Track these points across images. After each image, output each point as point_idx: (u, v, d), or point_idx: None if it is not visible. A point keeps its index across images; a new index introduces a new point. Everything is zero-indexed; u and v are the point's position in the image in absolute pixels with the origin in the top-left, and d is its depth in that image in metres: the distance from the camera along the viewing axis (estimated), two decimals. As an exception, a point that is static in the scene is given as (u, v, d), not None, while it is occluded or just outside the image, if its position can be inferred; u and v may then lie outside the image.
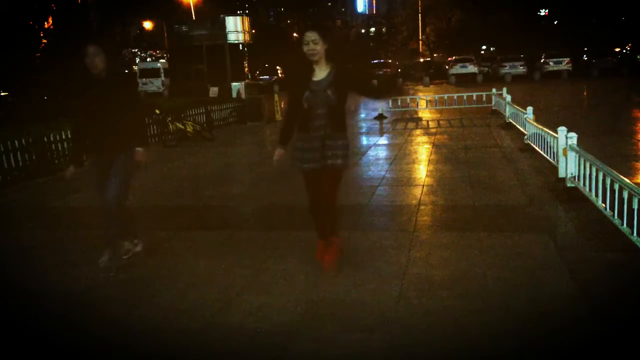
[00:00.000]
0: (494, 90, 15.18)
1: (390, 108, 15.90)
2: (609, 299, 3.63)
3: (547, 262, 4.28)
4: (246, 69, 25.71)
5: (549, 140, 7.34)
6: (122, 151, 4.44)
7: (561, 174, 6.41)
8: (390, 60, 38.87)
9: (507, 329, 3.31)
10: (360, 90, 4.32)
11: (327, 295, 3.89)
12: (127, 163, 4.48)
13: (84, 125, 4.53)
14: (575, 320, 3.40)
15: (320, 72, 3.98)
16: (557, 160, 6.62)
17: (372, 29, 65.18)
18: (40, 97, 17.31)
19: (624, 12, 37.58)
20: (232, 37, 24.24)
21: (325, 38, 3.90)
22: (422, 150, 9.94)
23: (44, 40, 23.12)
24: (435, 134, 12.11)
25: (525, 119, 9.37)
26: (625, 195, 4.40)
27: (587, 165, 5.46)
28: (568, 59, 32.70)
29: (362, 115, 16.50)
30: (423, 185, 7.14)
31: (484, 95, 15.53)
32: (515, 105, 11.45)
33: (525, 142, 9.24)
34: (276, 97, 17.00)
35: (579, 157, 5.81)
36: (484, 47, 52.72)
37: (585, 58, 35.45)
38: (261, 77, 33.85)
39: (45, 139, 9.33)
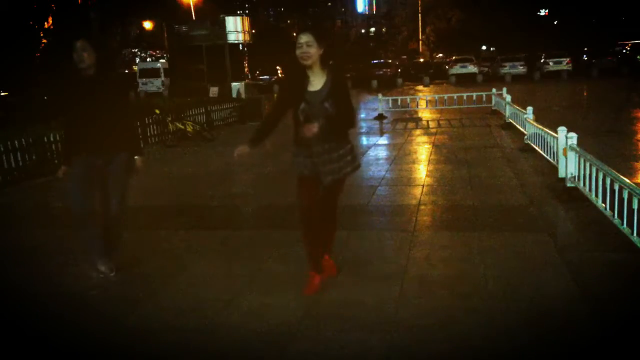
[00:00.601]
0: (494, 90, 15.17)
1: (390, 108, 15.90)
2: (609, 299, 3.63)
3: (547, 262, 4.28)
4: (246, 69, 25.68)
5: (548, 140, 7.34)
6: (111, 154, 4.26)
7: (561, 174, 6.41)
8: (390, 60, 38.85)
9: (507, 329, 3.31)
10: (341, 107, 3.74)
11: (327, 295, 3.88)
12: (123, 169, 4.33)
13: (70, 125, 4.37)
14: (575, 320, 3.40)
15: (316, 81, 3.70)
16: (557, 160, 6.62)
17: (372, 29, 65.16)
18: (40, 97, 17.33)
19: (624, 12, 37.58)
20: (232, 37, 24.20)
21: (320, 41, 3.66)
22: (422, 150, 9.94)
23: (44, 40, 23.14)
24: (435, 133, 12.11)
25: (525, 119, 9.37)
26: (625, 195, 4.40)
27: (587, 165, 5.46)
28: (568, 59, 32.66)
29: (362, 115, 16.50)
30: (423, 185, 7.14)
31: (484, 95, 15.52)
32: (515, 105, 11.45)
33: (525, 142, 9.24)
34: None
35: (579, 157, 5.81)
36: (484, 47, 52.70)
37: (585, 58, 35.43)
38: (261, 77, 33.84)
39: (45, 139, 9.32)
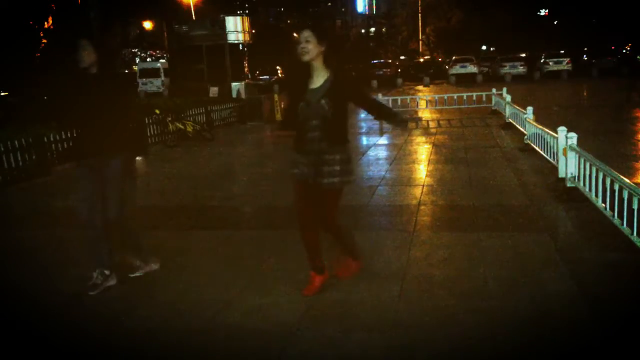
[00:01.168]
0: (493, 90, 15.17)
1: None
2: (609, 299, 3.63)
3: (547, 262, 4.28)
4: (246, 69, 25.67)
5: (548, 140, 7.34)
6: (111, 157, 4.11)
7: (561, 174, 6.41)
8: (390, 60, 38.86)
9: (507, 329, 3.31)
10: (360, 103, 3.97)
11: (327, 295, 3.88)
12: (119, 173, 4.18)
13: (71, 125, 4.30)
14: (575, 320, 3.40)
15: (317, 79, 3.70)
16: (557, 160, 6.62)
17: (372, 29, 65.20)
18: (40, 97, 17.32)
19: (624, 12, 37.57)
20: (232, 37, 24.20)
21: (320, 38, 3.65)
22: (422, 150, 9.94)
23: (44, 40, 23.14)
24: (435, 133, 12.11)
25: (525, 119, 9.37)
26: (625, 195, 4.40)
27: (587, 165, 5.46)
28: (568, 59, 32.66)
29: (362, 115, 16.49)
30: (423, 185, 7.14)
31: (484, 95, 15.52)
32: (515, 105, 11.45)
33: (525, 142, 9.24)
34: (276, 97, 16.99)
35: (579, 157, 5.81)
36: (484, 47, 52.72)
37: (585, 58, 35.42)
38: (261, 77, 33.83)
39: (45, 139, 9.32)
